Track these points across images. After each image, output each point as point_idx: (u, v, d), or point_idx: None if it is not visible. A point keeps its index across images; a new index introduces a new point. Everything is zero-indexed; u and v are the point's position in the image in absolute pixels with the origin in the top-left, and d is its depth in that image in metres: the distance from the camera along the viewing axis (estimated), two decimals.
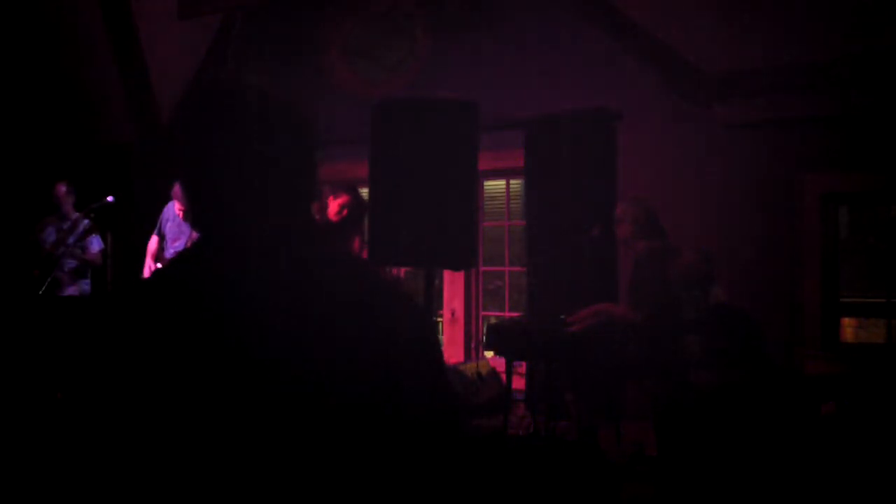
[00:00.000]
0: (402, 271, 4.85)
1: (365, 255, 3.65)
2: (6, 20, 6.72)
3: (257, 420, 0.99)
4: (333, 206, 4.57)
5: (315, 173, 1.16)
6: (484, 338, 6.08)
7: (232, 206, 1.08)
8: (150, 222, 5.88)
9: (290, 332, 1.02)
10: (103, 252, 6.22)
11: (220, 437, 0.98)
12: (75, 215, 6.03)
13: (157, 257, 5.79)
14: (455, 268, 4.81)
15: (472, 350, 6.45)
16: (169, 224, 5.78)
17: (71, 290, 6.03)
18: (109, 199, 5.81)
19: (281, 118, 1.11)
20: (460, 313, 6.45)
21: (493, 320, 6.28)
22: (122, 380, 1.02)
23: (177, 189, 5.61)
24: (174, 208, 5.78)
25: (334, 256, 1.15)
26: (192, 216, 1.14)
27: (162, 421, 0.99)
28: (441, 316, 6.51)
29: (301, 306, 1.04)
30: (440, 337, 6.37)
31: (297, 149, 1.12)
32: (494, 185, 6.56)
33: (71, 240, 5.93)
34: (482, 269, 6.56)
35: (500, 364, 5.22)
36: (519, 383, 5.24)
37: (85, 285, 6.12)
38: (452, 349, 6.42)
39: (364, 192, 4.38)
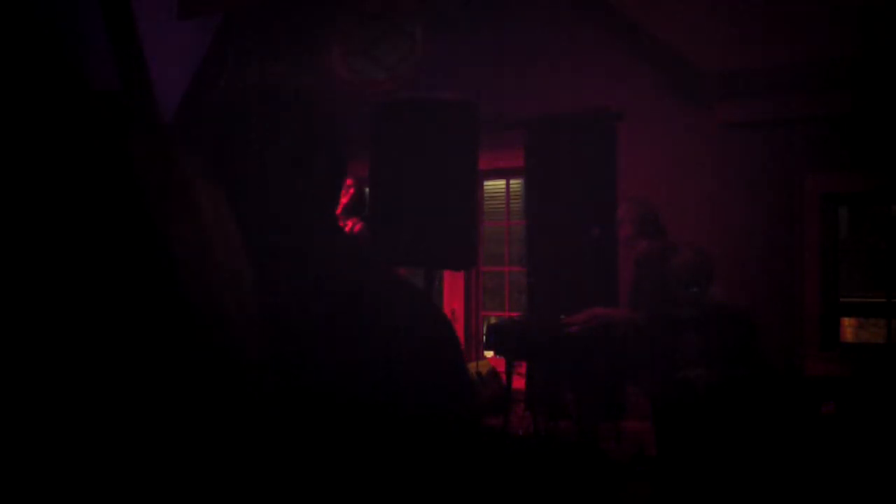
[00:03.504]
0: (402, 271, 4.88)
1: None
2: (4, 20, 6.71)
3: (271, 417, 0.98)
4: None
5: (343, 171, 1.16)
6: (484, 338, 6.08)
7: (254, 206, 1.08)
8: None
9: (306, 329, 1.01)
10: None
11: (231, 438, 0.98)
12: None
13: None
14: (455, 268, 4.81)
15: (472, 350, 6.44)
16: None
17: None
18: None
19: (305, 115, 1.11)
20: (460, 313, 6.45)
21: (493, 320, 6.28)
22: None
23: None
24: None
25: (352, 252, 1.15)
26: None
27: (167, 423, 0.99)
28: None
29: (320, 304, 1.04)
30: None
31: (323, 146, 1.12)
32: (494, 185, 6.55)
33: None
34: (482, 268, 6.56)
35: (500, 364, 5.23)
36: (519, 383, 5.24)
37: None
38: None
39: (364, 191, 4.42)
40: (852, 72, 4.72)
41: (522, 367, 5.50)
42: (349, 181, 4.91)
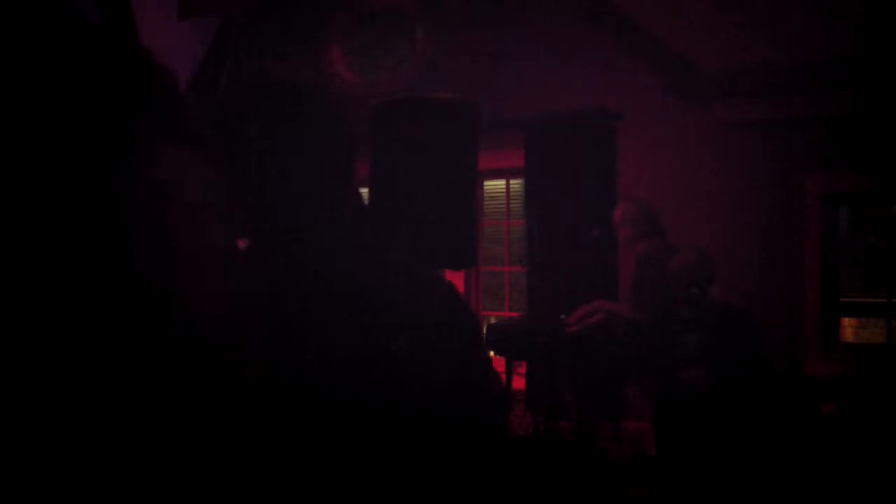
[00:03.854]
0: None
1: None
2: (5, 20, 6.71)
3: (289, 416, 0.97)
4: None
5: (344, 169, 1.15)
6: (484, 338, 6.08)
7: (255, 205, 1.08)
8: None
9: (304, 327, 1.01)
10: None
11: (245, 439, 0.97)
12: None
13: None
14: (455, 268, 4.80)
15: None
16: None
17: None
18: None
19: (304, 114, 1.10)
20: None
21: (493, 320, 6.28)
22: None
23: None
24: None
25: (354, 249, 1.14)
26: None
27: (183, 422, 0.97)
28: None
29: (319, 301, 1.03)
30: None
31: (323, 145, 1.11)
32: (494, 185, 6.55)
33: None
34: (482, 268, 6.56)
35: (500, 364, 5.23)
36: (519, 383, 5.24)
37: None
38: None
39: (364, 192, 4.41)
40: (852, 72, 4.72)
41: (522, 367, 5.50)
42: None
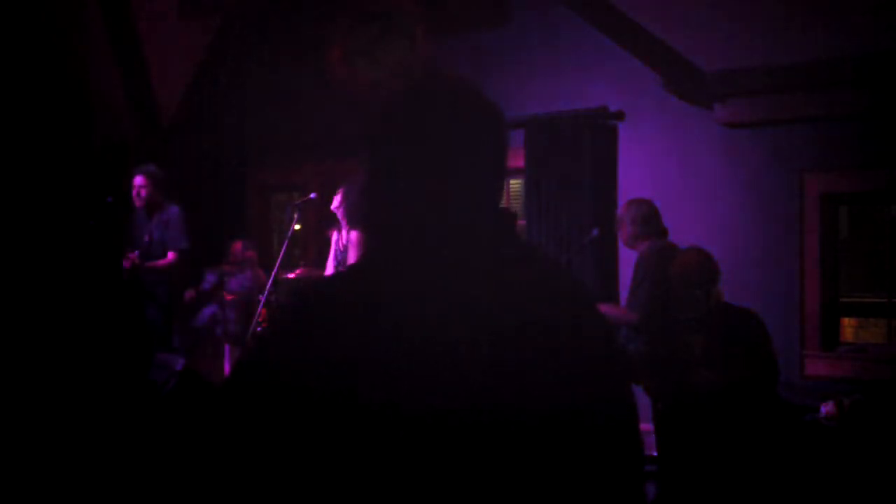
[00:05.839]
0: None
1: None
2: (5, 20, 6.71)
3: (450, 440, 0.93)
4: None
5: (505, 171, 1.12)
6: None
7: (424, 206, 1.04)
8: None
9: (478, 342, 0.95)
10: None
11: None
12: None
13: None
14: None
15: None
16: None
17: None
18: (108, 199, 5.81)
19: (477, 115, 1.07)
20: None
21: None
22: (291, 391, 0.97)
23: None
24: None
25: (525, 257, 1.09)
26: (372, 218, 1.09)
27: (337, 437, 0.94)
28: None
29: (490, 312, 0.98)
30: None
31: (492, 145, 1.09)
32: None
33: None
34: None
35: None
36: None
37: None
38: None
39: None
40: (852, 72, 4.72)
41: None
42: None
